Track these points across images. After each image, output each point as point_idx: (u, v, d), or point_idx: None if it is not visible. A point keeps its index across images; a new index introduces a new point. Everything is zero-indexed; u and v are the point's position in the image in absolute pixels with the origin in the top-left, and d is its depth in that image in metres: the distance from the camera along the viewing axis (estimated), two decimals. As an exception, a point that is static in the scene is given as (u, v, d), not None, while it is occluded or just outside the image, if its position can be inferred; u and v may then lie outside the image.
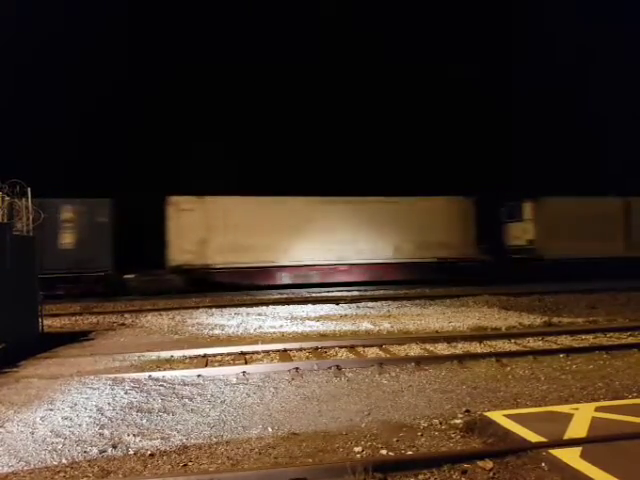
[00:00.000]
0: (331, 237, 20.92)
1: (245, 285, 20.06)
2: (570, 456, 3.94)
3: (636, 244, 23.44)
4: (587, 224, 22.55)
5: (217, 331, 10.96)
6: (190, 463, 4.30)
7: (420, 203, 22.19)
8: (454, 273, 21.54)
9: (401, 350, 8.64)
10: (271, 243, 20.39)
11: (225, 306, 15.18)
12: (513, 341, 9.08)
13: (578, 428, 4.54)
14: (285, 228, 20.50)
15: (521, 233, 23.29)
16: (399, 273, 21.58)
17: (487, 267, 22.03)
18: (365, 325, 11.21)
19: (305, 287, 20.70)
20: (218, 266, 19.90)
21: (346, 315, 13.03)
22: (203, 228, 19.73)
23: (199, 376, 6.96)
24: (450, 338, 9.23)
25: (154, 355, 8.44)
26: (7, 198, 9.87)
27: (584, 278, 20.23)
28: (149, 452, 4.51)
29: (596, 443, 4.16)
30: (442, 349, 8.67)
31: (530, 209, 23.04)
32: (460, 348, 8.71)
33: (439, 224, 21.89)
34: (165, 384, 6.61)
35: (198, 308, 14.88)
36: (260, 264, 20.35)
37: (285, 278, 20.82)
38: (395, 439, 4.68)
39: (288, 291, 19.79)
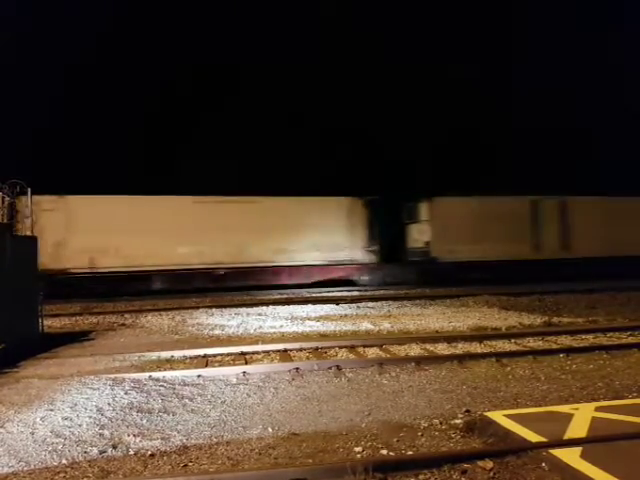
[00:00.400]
0: (203, 238, 19.39)
1: (105, 291, 18.08)
2: (570, 456, 3.94)
3: (545, 246, 22.41)
4: (489, 225, 21.43)
5: (217, 331, 10.97)
6: (190, 463, 4.30)
7: (299, 204, 20.73)
8: (336, 276, 20.64)
9: (401, 350, 8.63)
10: (143, 245, 18.69)
11: (225, 306, 15.20)
12: (513, 341, 9.07)
13: (578, 428, 4.54)
14: (156, 229, 18.75)
15: (418, 235, 22.08)
16: (283, 277, 20.43)
17: (372, 270, 21.21)
18: (365, 325, 11.21)
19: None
20: (76, 270, 18.26)
21: (346, 315, 13.03)
22: (63, 229, 17.95)
23: (199, 376, 6.96)
24: (450, 338, 9.23)
25: (154, 355, 8.44)
26: (7, 198, 9.88)
27: (481, 282, 19.53)
28: (149, 452, 4.50)
29: (596, 443, 4.15)
30: (442, 349, 8.67)
31: (426, 209, 21.83)
32: (460, 348, 8.71)
33: (326, 225, 20.62)
34: (165, 384, 6.61)
35: (198, 308, 14.89)
36: (128, 268, 18.63)
37: (157, 283, 19.28)
38: (395, 439, 4.68)
39: (288, 291, 19.78)
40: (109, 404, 5.84)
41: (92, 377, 7.00)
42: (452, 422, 5.07)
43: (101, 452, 4.53)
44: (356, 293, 18.54)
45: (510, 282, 19.50)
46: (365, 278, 21.28)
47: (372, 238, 21.35)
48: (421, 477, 3.91)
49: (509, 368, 7.17)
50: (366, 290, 19.55)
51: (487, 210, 21.80)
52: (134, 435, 4.91)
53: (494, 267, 21.42)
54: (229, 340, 9.98)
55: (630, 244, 22.39)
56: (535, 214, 22.51)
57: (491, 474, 3.91)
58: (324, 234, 20.66)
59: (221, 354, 8.43)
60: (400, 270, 21.89)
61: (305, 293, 19.19)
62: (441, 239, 21.39)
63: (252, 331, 10.93)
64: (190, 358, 8.27)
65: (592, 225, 22.52)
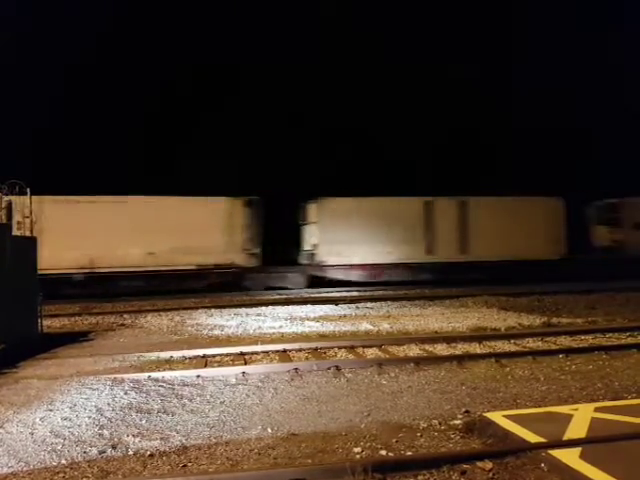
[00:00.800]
0: (74, 240, 17.84)
1: None
2: (569, 457, 3.95)
3: (440, 248, 21.38)
4: (381, 226, 20.58)
5: (216, 331, 10.96)
6: (189, 464, 4.30)
7: (175, 204, 19.39)
8: (214, 281, 19.57)
9: (400, 351, 8.63)
10: None
11: (224, 307, 15.19)
12: (512, 341, 9.07)
13: (577, 429, 4.54)
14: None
15: (308, 237, 21.15)
16: (156, 282, 19.08)
17: (253, 274, 20.06)
18: (364, 325, 11.21)
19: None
20: None
21: (345, 315, 13.03)
22: None
23: (198, 377, 6.96)
24: (449, 339, 9.23)
25: (153, 355, 8.44)
26: (6, 198, 9.88)
27: (371, 284, 19.14)
28: (148, 453, 4.51)
29: (595, 444, 4.16)
30: (441, 350, 8.67)
31: (314, 210, 20.72)
32: (459, 349, 8.71)
33: (199, 227, 19.15)
34: (164, 384, 6.61)
35: (197, 309, 14.89)
36: None
37: None
38: (394, 440, 4.69)
39: (288, 291, 19.79)
40: (108, 404, 5.84)
41: (91, 377, 7.00)
42: (451, 423, 5.07)
43: (100, 452, 4.53)
44: (355, 293, 18.53)
45: (403, 284, 19.57)
46: (246, 283, 20.00)
47: (253, 240, 20.09)
48: (420, 478, 3.91)
49: (508, 369, 7.17)
50: (365, 290, 19.53)
51: (378, 211, 20.89)
52: (133, 435, 4.91)
53: (383, 270, 20.79)
54: (228, 340, 9.98)
55: (534, 247, 21.75)
56: (430, 215, 21.40)
57: (490, 475, 3.91)
58: (200, 236, 19.20)
59: (220, 354, 8.43)
60: (285, 274, 20.78)
61: (304, 293, 19.19)
62: (329, 241, 20.37)
63: (251, 331, 10.93)
64: (189, 358, 8.27)
65: (493, 227, 21.54)
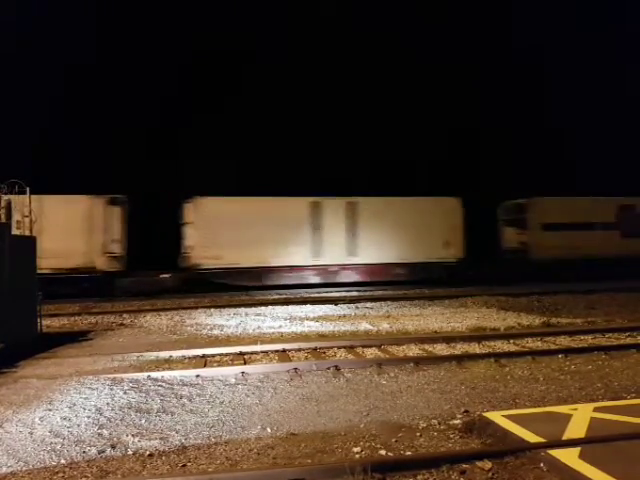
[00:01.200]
0: None
1: None
2: (569, 456, 3.95)
3: (328, 252, 20.38)
4: (263, 228, 19.50)
5: (216, 331, 10.96)
6: (189, 463, 4.30)
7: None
8: (70, 286, 17.91)
9: (400, 350, 8.64)
10: None
11: (224, 306, 15.18)
12: (512, 341, 9.08)
13: (577, 428, 4.54)
14: None
15: (185, 239, 19.67)
16: None
17: (117, 279, 18.79)
18: (364, 325, 11.22)
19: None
20: None
21: (345, 315, 13.03)
22: None
23: (198, 376, 6.96)
24: (449, 338, 9.23)
25: (153, 355, 8.44)
26: (6, 198, 9.87)
27: (252, 288, 18.62)
28: (148, 452, 4.50)
29: (595, 443, 4.16)
30: (441, 349, 8.68)
31: (189, 211, 19.53)
32: (459, 348, 8.72)
33: (57, 227, 17.42)
34: (164, 384, 6.61)
35: (197, 308, 14.88)
36: None
37: None
38: (394, 439, 4.69)
39: (287, 291, 19.78)
40: (108, 404, 5.84)
41: (91, 377, 6.99)
42: (451, 422, 5.08)
43: (100, 452, 4.53)
44: (355, 293, 18.53)
45: (286, 288, 18.99)
46: (110, 288, 18.61)
47: (118, 242, 18.82)
48: (420, 477, 3.91)
49: (508, 368, 7.18)
50: (365, 290, 19.53)
51: (261, 211, 19.86)
52: (133, 435, 4.90)
53: (260, 274, 19.82)
54: (228, 340, 9.98)
55: (428, 249, 21.05)
56: (317, 216, 20.38)
57: (490, 474, 3.91)
58: (58, 238, 17.31)
59: (220, 354, 8.43)
60: (155, 278, 19.61)
61: (304, 293, 19.18)
62: (206, 244, 19.17)
63: (251, 331, 10.93)
64: (189, 358, 8.27)
65: (385, 229, 20.79)
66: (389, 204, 21.28)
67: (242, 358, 8.24)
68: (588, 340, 9.28)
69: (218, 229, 19.24)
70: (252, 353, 8.55)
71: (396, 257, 20.89)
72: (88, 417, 5.42)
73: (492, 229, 24.07)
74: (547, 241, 21.87)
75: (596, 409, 5.09)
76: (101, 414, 5.51)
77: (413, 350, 8.68)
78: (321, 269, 20.50)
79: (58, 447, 4.65)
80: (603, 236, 22.35)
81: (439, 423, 5.08)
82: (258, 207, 20.07)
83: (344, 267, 20.68)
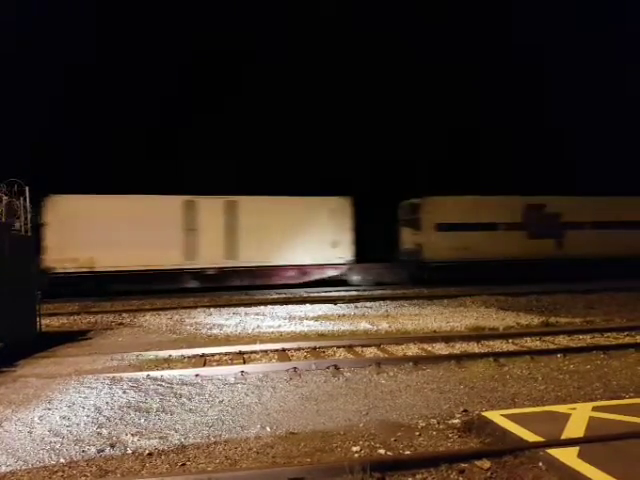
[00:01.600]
0: None
1: None
2: (567, 456, 3.96)
3: (203, 254, 19.29)
4: (128, 228, 18.10)
5: (215, 331, 10.96)
6: (188, 462, 4.30)
7: None
8: None
9: (399, 350, 8.64)
10: None
11: (223, 306, 15.18)
12: (511, 341, 9.09)
13: (575, 428, 4.55)
14: None
15: (42, 240, 17.61)
16: None
17: None
18: (363, 325, 11.22)
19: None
20: None
21: (344, 315, 13.04)
22: None
23: (197, 376, 6.96)
24: (448, 338, 9.24)
25: (152, 354, 8.44)
26: (5, 197, 9.86)
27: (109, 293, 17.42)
28: (147, 451, 4.51)
29: (593, 443, 4.17)
30: (440, 349, 8.68)
31: (46, 210, 17.71)
32: (458, 348, 8.73)
33: None
34: (163, 383, 6.61)
35: (196, 308, 14.87)
36: None
37: None
38: (393, 439, 4.69)
39: (287, 291, 19.78)
40: (107, 403, 5.84)
41: (90, 376, 6.99)
42: (450, 422, 5.08)
43: (99, 451, 4.53)
44: (354, 293, 18.55)
45: (161, 293, 18.06)
46: None
47: None
48: (419, 477, 3.92)
49: (507, 368, 7.18)
50: (364, 290, 19.54)
51: (127, 210, 18.52)
52: (132, 434, 4.91)
53: (135, 277, 18.53)
54: (227, 339, 9.98)
55: (315, 250, 20.34)
56: (192, 216, 19.32)
57: (488, 474, 3.92)
58: None
59: (219, 353, 8.43)
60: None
61: (303, 293, 19.19)
62: (61, 246, 17.64)
63: (250, 330, 10.93)
64: (188, 357, 8.27)
65: (267, 229, 19.81)
66: (272, 203, 20.37)
67: (241, 357, 8.24)
68: (587, 340, 9.29)
69: (76, 230, 17.76)
70: (251, 352, 8.56)
71: (282, 259, 20.18)
72: (87, 416, 5.43)
73: (393, 230, 23.42)
74: (442, 242, 21.02)
75: (595, 408, 5.10)
76: (100, 413, 5.52)
77: (412, 349, 8.68)
78: (197, 272, 19.38)
79: (57, 446, 4.65)
80: (507, 237, 21.42)
81: (438, 422, 5.08)
82: (124, 205, 18.77)
83: (223, 270, 19.63)
